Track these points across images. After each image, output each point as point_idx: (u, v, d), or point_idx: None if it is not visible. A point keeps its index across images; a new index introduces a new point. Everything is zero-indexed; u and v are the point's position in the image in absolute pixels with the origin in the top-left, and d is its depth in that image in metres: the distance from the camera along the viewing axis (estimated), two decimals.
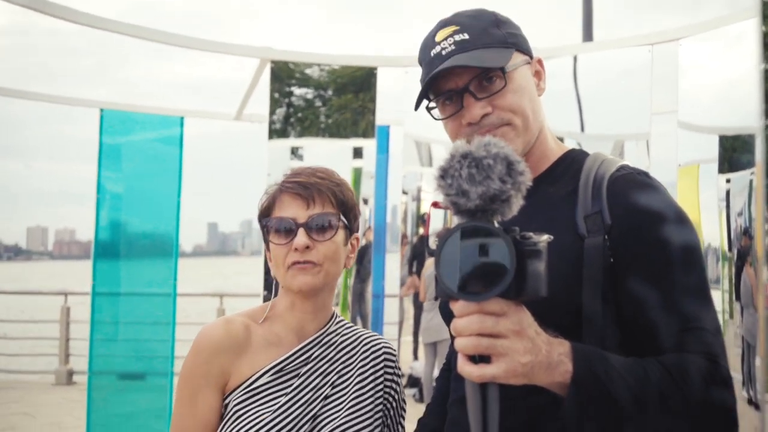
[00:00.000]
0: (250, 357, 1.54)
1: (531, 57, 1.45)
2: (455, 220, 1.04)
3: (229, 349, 1.53)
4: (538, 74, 1.46)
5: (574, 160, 1.42)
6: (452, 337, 1.43)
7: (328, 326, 1.63)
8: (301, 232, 1.51)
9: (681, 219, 1.29)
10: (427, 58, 1.40)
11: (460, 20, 1.40)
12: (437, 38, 1.39)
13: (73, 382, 9.08)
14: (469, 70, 1.35)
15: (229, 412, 1.50)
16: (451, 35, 1.37)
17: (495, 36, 1.38)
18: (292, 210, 1.54)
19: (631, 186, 1.31)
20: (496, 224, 0.99)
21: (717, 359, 1.18)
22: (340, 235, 1.57)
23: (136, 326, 5.09)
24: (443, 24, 1.42)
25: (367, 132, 4.92)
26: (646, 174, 1.36)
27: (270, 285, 1.68)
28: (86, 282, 4.95)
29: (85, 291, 5.65)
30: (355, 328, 1.69)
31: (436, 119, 1.44)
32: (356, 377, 1.59)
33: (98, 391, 4.87)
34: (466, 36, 1.36)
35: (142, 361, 5.18)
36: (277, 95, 4.75)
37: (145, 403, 5.09)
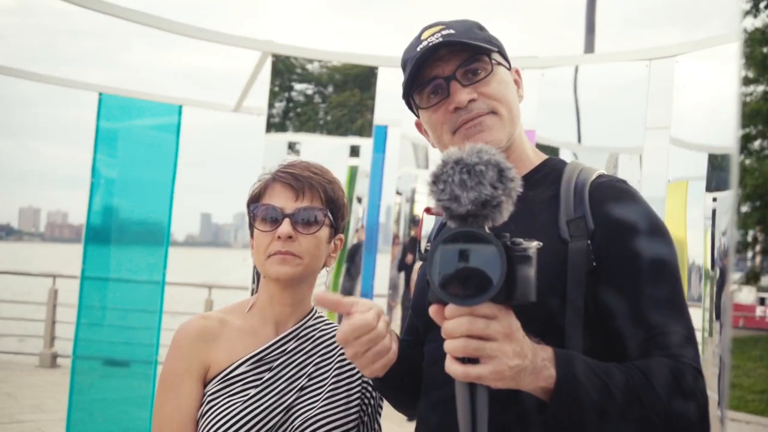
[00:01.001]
0: (228, 348, 1.57)
1: (510, 66, 1.48)
2: (447, 225, 1.05)
3: (206, 341, 1.56)
4: (517, 83, 1.49)
5: (552, 167, 1.45)
6: (427, 330, 1.45)
7: (306, 320, 1.65)
8: (286, 221, 1.53)
9: (659, 228, 1.32)
10: (412, 54, 1.43)
11: (445, 22, 1.45)
12: (423, 36, 1.43)
13: (56, 365, 9.06)
14: (455, 59, 1.39)
15: (204, 401, 1.53)
16: (438, 31, 1.41)
17: (479, 35, 1.43)
18: (281, 199, 1.56)
19: (613, 193, 1.34)
20: (487, 230, 1.01)
21: (689, 362, 1.20)
22: (325, 231, 1.59)
23: (124, 313, 5.09)
24: (429, 27, 1.45)
25: (365, 130, 4.93)
26: (624, 182, 1.39)
27: (256, 277, 1.70)
28: (76, 265, 4.95)
29: (74, 275, 5.65)
30: (334, 324, 1.71)
31: (422, 108, 1.45)
32: (334, 371, 1.61)
33: (81, 376, 4.86)
34: (451, 31, 1.40)
35: (127, 348, 5.17)
36: (276, 89, 4.76)
37: (128, 390, 5.09)
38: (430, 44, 1.38)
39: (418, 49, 1.41)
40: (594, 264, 1.27)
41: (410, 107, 1.50)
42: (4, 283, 15.67)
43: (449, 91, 1.39)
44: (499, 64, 1.43)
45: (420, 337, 1.51)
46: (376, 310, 1.31)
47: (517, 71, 1.51)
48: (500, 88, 1.40)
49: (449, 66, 1.39)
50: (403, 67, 1.48)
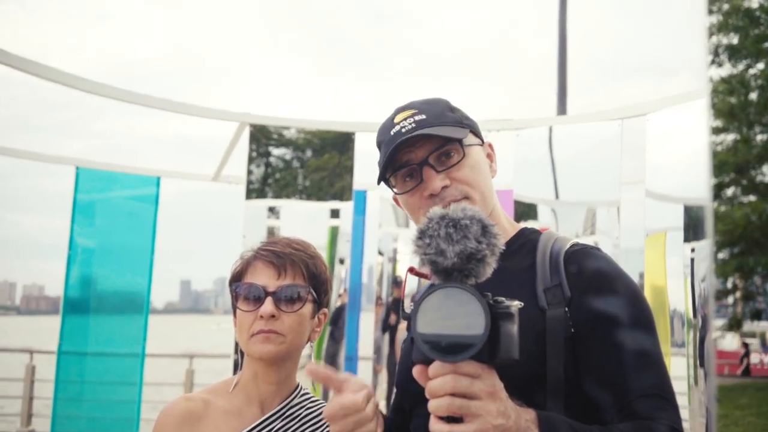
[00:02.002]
0: (212, 430, 1.53)
1: (482, 141, 1.52)
2: (430, 281, 1.07)
3: (191, 424, 1.53)
4: (490, 157, 1.53)
5: (527, 237, 1.49)
6: (413, 406, 1.43)
7: (291, 398, 1.62)
8: (268, 300, 1.52)
9: (633, 294, 1.35)
10: (386, 137, 1.46)
11: (417, 105, 1.48)
12: (396, 120, 1.46)
13: None
14: (427, 145, 1.42)
15: None
16: (410, 116, 1.44)
17: (450, 117, 1.46)
18: (263, 278, 1.55)
19: (587, 260, 1.37)
20: (470, 286, 1.02)
21: (675, 425, 1.21)
22: (308, 308, 1.58)
23: (103, 386, 4.97)
24: (401, 109, 1.49)
25: (345, 193, 4.96)
26: (598, 249, 1.43)
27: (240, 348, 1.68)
28: (53, 339, 4.85)
29: (51, 350, 5.52)
30: (319, 401, 1.68)
31: (397, 194, 1.49)
32: None
33: None
34: (423, 116, 1.44)
35: (107, 424, 5.03)
36: (254, 154, 4.80)
37: None
38: (403, 130, 1.42)
39: (392, 132, 1.44)
40: (572, 330, 1.30)
41: (388, 186, 1.53)
42: None
43: (422, 177, 1.42)
44: (470, 145, 1.45)
45: (405, 416, 1.50)
46: (366, 392, 1.30)
47: (489, 145, 1.55)
48: (472, 174, 1.43)
49: (421, 152, 1.42)
50: (378, 147, 1.52)
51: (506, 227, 1.52)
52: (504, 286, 1.31)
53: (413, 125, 1.42)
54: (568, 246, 1.40)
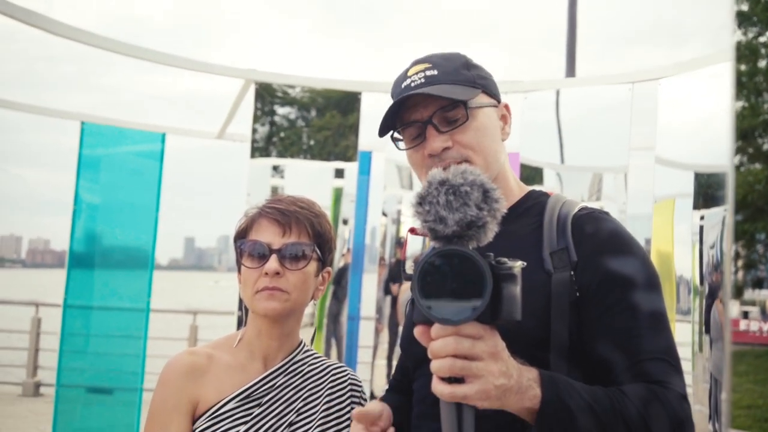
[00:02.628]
0: (216, 384, 1.55)
1: (498, 102, 1.49)
2: (431, 245, 1.06)
3: (194, 377, 1.54)
4: (504, 118, 1.50)
5: (535, 200, 1.47)
6: (417, 367, 1.44)
7: (294, 354, 1.63)
8: (273, 258, 1.52)
9: (641, 262, 1.34)
10: (397, 89, 1.44)
11: (433, 60, 1.45)
12: (409, 72, 1.44)
13: (40, 394, 8.91)
14: (433, 103, 1.39)
15: None
16: (423, 70, 1.42)
17: (464, 75, 1.43)
18: (267, 235, 1.56)
19: (594, 225, 1.36)
20: (472, 249, 1.01)
21: (675, 389, 1.21)
22: (312, 266, 1.58)
23: (107, 340, 5.02)
24: (417, 61, 1.46)
25: (349, 153, 4.93)
26: (606, 213, 1.42)
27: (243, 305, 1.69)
28: (58, 292, 4.89)
29: (56, 303, 5.58)
30: (322, 357, 1.70)
31: (399, 149, 1.48)
32: (323, 405, 1.60)
33: (65, 404, 4.78)
34: (435, 72, 1.41)
35: (111, 376, 5.10)
36: (260, 113, 4.77)
37: (113, 418, 5.00)
38: (412, 84, 1.40)
39: (402, 85, 1.43)
40: (577, 294, 1.29)
41: (393, 140, 1.51)
42: None
43: (425, 136, 1.41)
44: (479, 107, 1.42)
45: (409, 376, 1.52)
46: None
47: (506, 106, 1.51)
48: (477, 136, 1.41)
49: (427, 111, 1.40)
50: (393, 98, 1.49)
51: (514, 189, 1.50)
52: (510, 249, 1.29)
53: (422, 81, 1.40)
54: (576, 209, 1.39)
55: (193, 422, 1.53)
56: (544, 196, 1.48)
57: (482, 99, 1.44)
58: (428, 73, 1.41)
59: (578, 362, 1.27)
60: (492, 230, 1.02)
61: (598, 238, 1.34)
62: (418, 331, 1.05)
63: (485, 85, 1.45)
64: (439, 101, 1.39)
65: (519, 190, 1.51)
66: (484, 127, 1.42)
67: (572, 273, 1.30)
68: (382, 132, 1.47)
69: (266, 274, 1.52)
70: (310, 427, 1.55)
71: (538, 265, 1.33)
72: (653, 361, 1.23)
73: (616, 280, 1.29)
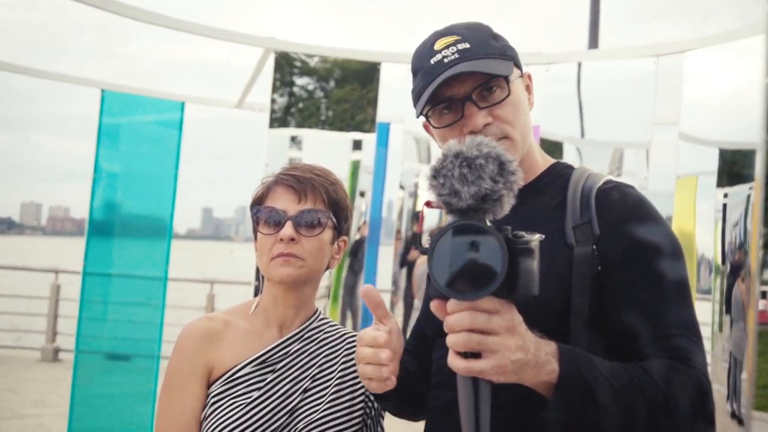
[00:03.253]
0: (232, 349, 1.56)
1: (522, 72, 1.44)
2: (448, 219, 1.04)
3: (210, 342, 1.55)
4: (528, 89, 1.46)
5: (560, 172, 1.44)
6: (436, 337, 1.44)
7: (310, 322, 1.64)
8: (288, 224, 1.52)
9: (666, 232, 1.32)
10: (425, 66, 1.37)
11: (460, 31, 1.38)
12: (436, 47, 1.37)
13: (59, 360, 9.06)
14: (471, 79, 1.34)
15: (208, 403, 1.52)
16: (453, 44, 1.35)
17: (495, 47, 1.38)
18: (283, 202, 1.55)
19: (619, 198, 1.33)
20: (488, 223, 0.99)
21: (697, 366, 1.19)
22: (328, 233, 1.58)
23: (126, 307, 5.08)
24: (441, 34, 1.39)
25: (367, 125, 4.91)
26: (632, 187, 1.39)
27: (260, 274, 1.69)
28: (77, 259, 4.94)
29: (76, 270, 5.64)
30: (338, 326, 1.70)
31: (435, 128, 1.41)
32: (338, 373, 1.60)
33: (84, 370, 4.85)
34: (467, 45, 1.35)
35: (129, 343, 5.16)
36: (278, 84, 4.74)
37: (131, 385, 5.08)
38: (446, 60, 1.33)
39: (432, 62, 1.35)
40: (599, 269, 1.27)
41: (426, 118, 1.44)
42: (5, 278, 15.67)
43: (464, 113, 1.35)
44: (515, 80, 1.38)
45: (426, 344, 1.51)
46: (385, 337, 1.33)
47: (528, 76, 1.48)
48: (514, 112, 1.37)
49: (464, 87, 1.34)
50: (414, 74, 1.43)
51: (538, 161, 1.47)
52: (532, 222, 1.28)
53: (456, 56, 1.33)
54: (600, 183, 1.36)
55: (208, 386, 1.54)
56: (569, 169, 1.45)
57: (515, 72, 1.39)
58: (460, 46, 1.34)
59: (599, 335, 1.25)
60: (508, 203, 1.00)
61: (623, 209, 1.31)
62: (434, 305, 1.04)
63: (513, 56, 1.41)
64: (477, 76, 1.34)
65: (543, 162, 1.48)
66: (519, 101, 1.39)
67: (594, 247, 1.28)
68: (420, 111, 1.41)
69: (281, 240, 1.52)
70: (325, 394, 1.56)
71: (560, 238, 1.31)
72: (677, 337, 1.21)
73: (641, 250, 1.27)
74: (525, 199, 1.17)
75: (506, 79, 1.35)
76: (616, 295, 1.26)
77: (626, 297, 1.25)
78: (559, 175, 1.43)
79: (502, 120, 1.36)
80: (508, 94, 1.36)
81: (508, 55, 1.39)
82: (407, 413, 1.57)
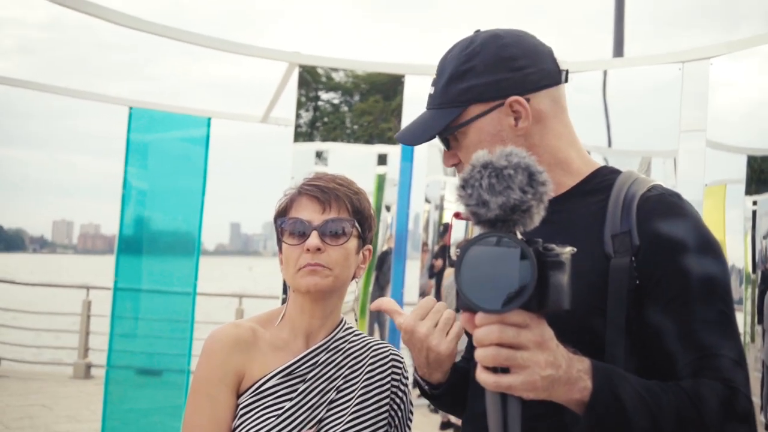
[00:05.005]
0: (260, 359, 1.55)
1: (505, 98, 1.35)
2: (476, 231, 1.03)
3: (240, 350, 1.55)
4: (517, 113, 1.36)
5: (604, 177, 1.38)
6: (472, 348, 1.42)
7: (336, 332, 1.63)
8: (314, 234, 1.52)
9: (710, 246, 1.25)
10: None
11: (440, 66, 1.42)
12: (435, 73, 1.44)
13: (90, 376, 9.16)
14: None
15: (237, 414, 1.51)
16: (434, 80, 1.43)
17: (449, 94, 1.37)
18: (307, 212, 1.56)
19: (662, 208, 1.27)
20: (519, 235, 0.97)
21: (739, 387, 1.15)
22: (353, 242, 1.58)
23: (156, 323, 5.13)
24: (440, 59, 1.45)
25: (392, 138, 4.92)
26: (678, 196, 1.31)
27: (287, 288, 1.69)
28: (108, 276, 5.00)
29: (107, 286, 5.72)
30: (363, 335, 1.70)
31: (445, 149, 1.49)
32: (362, 383, 1.59)
33: (115, 386, 4.91)
34: (432, 90, 1.42)
35: (160, 358, 5.21)
36: (303, 99, 4.78)
37: (162, 399, 5.12)
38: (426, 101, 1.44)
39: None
40: (637, 282, 1.22)
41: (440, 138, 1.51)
42: (39, 295, 15.93)
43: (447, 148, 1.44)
44: (465, 123, 1.36)
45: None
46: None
47: (514, 102, 1.35)
48: (479, 149, 1.34)
49: None
50: None
51: (578, 167, 1.40)
52: (570, 229, 1.26)
53: (427, 99, 1.42)
54: (645, 189, 1.29)
55: (237, 396, 1.53)
56: (615, 173, 1.39)
57: (473, 111, 1.35)
58: (431, 90, 1.43)
59: (635, 352, 1.21)
60: (539, 214, 0.97)
61: (663, 222, 1.25)
62: (463, 319, 1.01)
63: (481, 92, 1.35)
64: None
65: (585, 167, 1.41)
66: (479, 140, 1.35)
67: (633, 258, 1.22)
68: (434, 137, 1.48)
69: (308, 250, 1.52)
70: (349, 406, 1.55)
71: (598, 247, 1.26)
72: (718, 357, 1.16)
73: (681, 269, 1.21)
74: (564, 204, 1.14)
75: (443, 132, 1.38)
76: (655, 313, 1.21)
77: (667, 316, 1.20)
78: (602, 180, 1.37)
79: (467, 161, 1.36)
80: (458, 140, 1.39)
81: (463, 100, 1.36)
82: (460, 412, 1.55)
